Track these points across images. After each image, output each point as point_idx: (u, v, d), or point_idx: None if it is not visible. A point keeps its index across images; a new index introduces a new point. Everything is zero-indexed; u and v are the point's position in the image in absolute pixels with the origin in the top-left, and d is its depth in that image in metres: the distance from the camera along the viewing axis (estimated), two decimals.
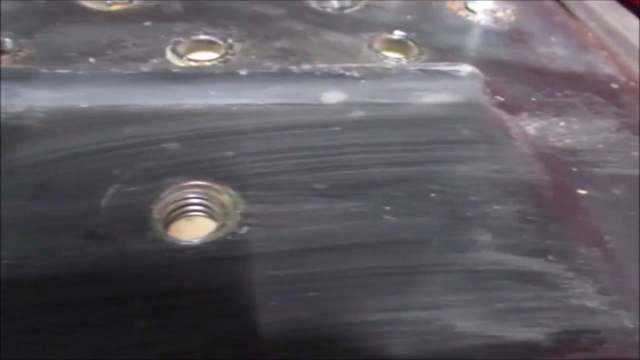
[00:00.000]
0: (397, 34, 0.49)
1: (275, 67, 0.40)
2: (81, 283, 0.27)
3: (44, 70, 0.37)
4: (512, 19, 0.53)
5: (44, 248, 0.28)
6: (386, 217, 0.31)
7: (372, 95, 0.39)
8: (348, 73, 0.40)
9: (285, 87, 0.39)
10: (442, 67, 0.41)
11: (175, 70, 0.40)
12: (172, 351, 0.24)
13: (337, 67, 0.40)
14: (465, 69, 0.41)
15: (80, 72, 0.38)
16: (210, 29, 0.48)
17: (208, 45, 0.46)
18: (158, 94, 0.38)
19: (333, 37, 0.49)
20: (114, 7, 0.50)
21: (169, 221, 0.30)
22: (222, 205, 0.31)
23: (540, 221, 0.32)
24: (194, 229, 0.31)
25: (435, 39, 0.50)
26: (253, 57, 0.45)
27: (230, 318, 0.26)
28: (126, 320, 0.25)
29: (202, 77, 0.39)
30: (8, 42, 0.43)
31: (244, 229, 0.30)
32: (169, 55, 0.44)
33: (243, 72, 0.39)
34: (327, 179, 0.32)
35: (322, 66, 0.40)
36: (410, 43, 0.48)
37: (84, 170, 0.32)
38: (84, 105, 0.36)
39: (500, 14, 0.53)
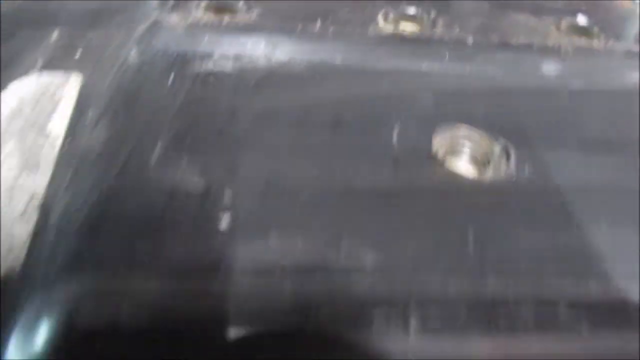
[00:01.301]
0: (581, 20, 0.53)
1: (495, 38, 0.44)
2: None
3: (299, 27, 0.42)
4: None
5: (344, 170, 0.32)
6: None
7: (584, 72, 0.43)
8: (559, 48, 0.44)
9: (507, 57, 0.43)
10: None
11: (409, 35, 0.44)
12: None
13: (550, 43, 0.44)
14: None
15: (330, 31, 0.42)
16: (409, 2, 0.52)
17: (412, 18, 0.50)
18: (397, 56, 0.42)
19: (520, 17, 0.53)
20: None
21: (448, 159, 0.34)
22: (492, 152, 0.35)
23: None
24: (470, 169, 0.35)
25: (613, 26, 0.53)
26: (457, 31, 0.49)
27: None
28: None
29: (433, 43, 0.43)
30: (238, 3, 0.48)
31: (516, 174, 0.34)
32: (382, 24, 0.48)
33: (469, 40, 0.43)
34: (574, 139, 0.36)
35: (537, 41, 0.44)
36: (594, 29, 0.52)
37: (364, 112, 0.36)
38: (337, 62, 0.41)
39: None
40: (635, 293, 0.26)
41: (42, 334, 0.23)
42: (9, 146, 0.33)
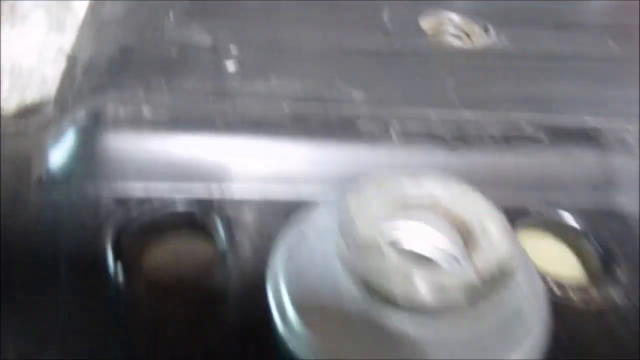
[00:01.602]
0: None
1: None
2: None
3: None
4: None
5: (339, 35, 0.36)
6: None
7: None
8: None
9: None
10: None
11: None
12: None
13: None
14: None
15: None
16: None
17: None
18: None
19: None
20: None
21: (433, 32, 0.38)
22: (472, 29, 0.38)
23: None
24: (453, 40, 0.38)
25: None
26: None
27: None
28: None
29: None
30: None
31: (493, 43, 0.37)
32: None
33: None
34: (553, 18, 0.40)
35: None
36: None
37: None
38: None
39: None
40: (584, 121, 0.30)
41: (73, 136, 0.27)
42: (36, 14, 0.36)
